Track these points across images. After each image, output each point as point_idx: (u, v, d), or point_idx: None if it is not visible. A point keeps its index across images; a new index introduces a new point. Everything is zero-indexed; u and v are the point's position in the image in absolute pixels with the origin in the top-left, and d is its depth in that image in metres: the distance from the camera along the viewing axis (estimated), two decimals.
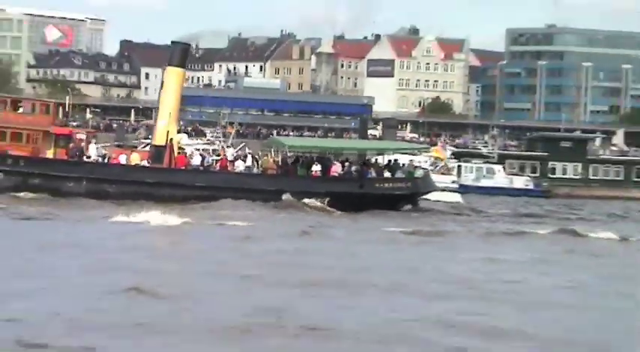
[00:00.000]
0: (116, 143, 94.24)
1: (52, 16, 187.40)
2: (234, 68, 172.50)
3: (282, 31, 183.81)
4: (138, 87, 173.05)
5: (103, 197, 54.40)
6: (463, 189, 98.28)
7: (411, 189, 66.05)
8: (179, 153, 63.34)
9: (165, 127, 62.68)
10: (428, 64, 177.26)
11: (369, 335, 20.58)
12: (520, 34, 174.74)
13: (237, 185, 60.16)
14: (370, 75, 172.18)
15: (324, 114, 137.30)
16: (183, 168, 62.18)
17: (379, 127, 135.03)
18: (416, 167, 75.26)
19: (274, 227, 47.82)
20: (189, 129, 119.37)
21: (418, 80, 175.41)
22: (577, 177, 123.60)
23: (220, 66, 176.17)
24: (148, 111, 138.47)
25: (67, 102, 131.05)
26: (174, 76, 65.73)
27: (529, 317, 25.65)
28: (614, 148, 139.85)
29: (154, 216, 45.09)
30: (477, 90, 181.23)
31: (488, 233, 52.99)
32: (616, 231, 56.01)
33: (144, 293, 25.22)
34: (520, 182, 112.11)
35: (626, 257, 45.74)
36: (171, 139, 62.38)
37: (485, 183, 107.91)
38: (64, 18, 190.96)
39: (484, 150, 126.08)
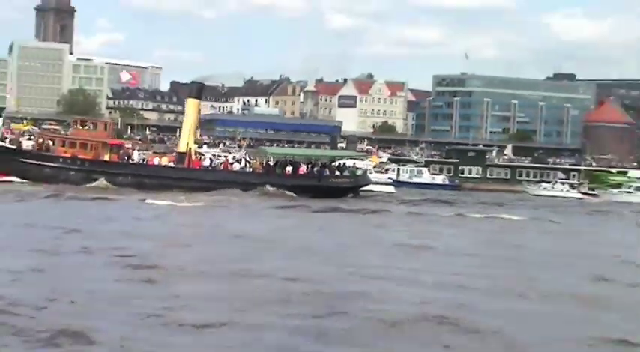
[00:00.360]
0: (157, 151, 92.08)
1: (126, 64, 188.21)
2: (248, 101, 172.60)
3: (280, 75, 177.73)
4: (182, 113, 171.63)
5: (142, 187, 54.81)
6: (399, 184, 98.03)
7: (354, 183, 66.85)
8: (196, 157, 63.63)
9: (185, 139, 63.30)
10: (379, 98, 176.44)
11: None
12: (442, 78, 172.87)
13: (234, 179, 60.52)
14: (340, 106, 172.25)
15: (307, 132, 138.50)
16: (198, 167, 62.26)
17: (345, 142, 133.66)
18: (357, 168, 77.04)
19: (257, 206, 48.15)
20: (214, 141, 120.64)
21: (372, 110, 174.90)
22: (478, 176, 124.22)
23: (238, 99, 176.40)
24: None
25: (134, 124, 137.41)
26: (191, 105, 67.45)
27: (418, 261, 26.69)
28: (505, 157, 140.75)
29: (177, 200, 47.39)
30: (413, 117, 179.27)
31: (411, 212, 52.51)
32: (497, 211, 56.61)
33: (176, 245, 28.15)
34: (439, 179, 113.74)
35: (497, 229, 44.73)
36: (190, 148, 62.81)
37: (415, 180, 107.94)
38: (133, 66, 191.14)
39: (415, 158, 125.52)
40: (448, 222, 48.15)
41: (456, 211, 56.07)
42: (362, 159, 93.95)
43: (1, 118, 77.55)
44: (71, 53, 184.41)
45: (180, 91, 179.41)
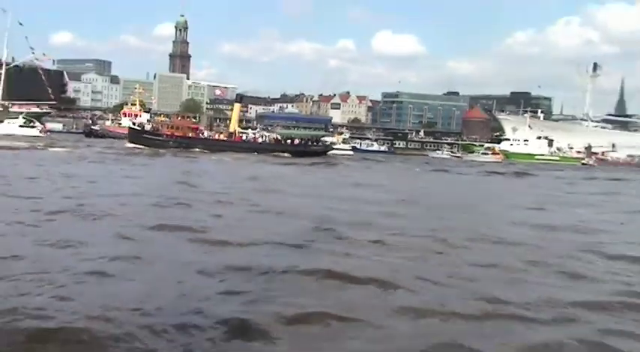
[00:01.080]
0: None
1: (218, 85, 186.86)
2: (282, 105, 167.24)
3: (300, 91, 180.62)
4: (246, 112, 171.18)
5: (210, 150, 52.95)
6: (359, 151, 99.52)
7: (324, 149, 66.15)
8: (239, 134, 62.77)
9: (233, 126, 64.02)
10: (353, 105, 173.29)
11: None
12: (386, 94, 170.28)
13: (258, 147, 59.36)
14: (332, 108, 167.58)
15: (313, 122, 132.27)
16: (238, 140, 60.95)
17: (332, 128, 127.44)
18: (327, 141, 75.85)
19: (270, 161, 46.56)
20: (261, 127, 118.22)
21: (349, 111, 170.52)
22: (403, 147, 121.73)
23: (278, 105, 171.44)
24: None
25: (220, 117, 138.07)
26: (236, 106, 67.27)
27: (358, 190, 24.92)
28: (419, 136, 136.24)
29: (228, 157, 45.90)
30: (370, 115, 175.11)
31: (362, 166, 51.40)
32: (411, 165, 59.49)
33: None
34: (383, 148, 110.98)
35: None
36: (235, 129, 63.08)
37: (369, 148, 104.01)
38: (222, 86, 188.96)
39: (370, 136, 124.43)
40: (380, 170, 48.08)
41: (386, 164, 56.02)
42: (331, 136, 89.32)
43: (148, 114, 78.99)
44: (187, 79, 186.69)
45: (245, 100, 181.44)
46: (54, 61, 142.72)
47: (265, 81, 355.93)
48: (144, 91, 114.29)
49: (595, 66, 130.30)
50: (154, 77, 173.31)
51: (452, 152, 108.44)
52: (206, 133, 63.96)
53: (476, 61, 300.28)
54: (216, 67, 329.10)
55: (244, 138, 63.69)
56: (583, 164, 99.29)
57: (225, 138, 62.09)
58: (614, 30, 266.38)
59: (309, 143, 65.23)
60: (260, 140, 64.36)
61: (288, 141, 64.16)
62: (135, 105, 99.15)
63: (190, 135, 59.53)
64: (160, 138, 56.47)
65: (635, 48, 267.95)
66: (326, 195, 21.67)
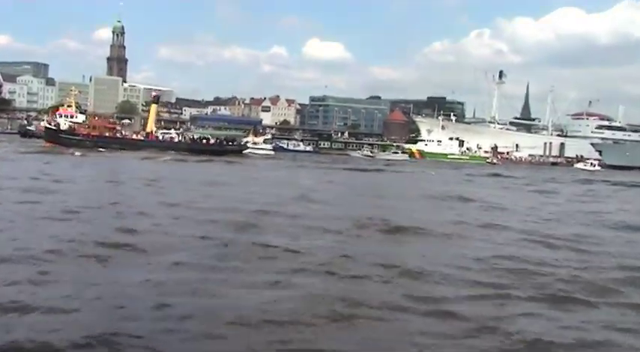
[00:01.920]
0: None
1: (154, 88, 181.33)
2: (217, 108, 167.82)
3: (232, 94, 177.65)
4: (179, 114, 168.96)
5: (125, 149, 53.43)
6: (286, 151, 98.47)
7: (238, 148, 65.30)
8: (156, 134, 63.16)
9: (150, 126, 64.57)
10: (282, 107, 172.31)
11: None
12: (314, 98, 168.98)
13: (176, 147, 58.75)
14: (262, 111, 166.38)
15: (244, 124, 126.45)
16: (154, 139, 61.08)
17: (262, 129, 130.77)
18: (242, 140, 75.24)
19: (186, 159, 46.18)
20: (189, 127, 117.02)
21: (279, 113, 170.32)
22: (327, 147, 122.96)
23: (212, 107, 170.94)
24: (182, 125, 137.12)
25: None
26: (152, 108, 67.63)
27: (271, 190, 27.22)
28: (344, 137, 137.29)
29: (135, 156, 45.53)
30: (298, 118, 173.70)
31: (284, 166, 50.36)
32: (334, 164, 58.50)
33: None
34: (308, 148, 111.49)
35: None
36: (152, 130, 63.63)
37: (296, 148, 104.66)
38: (158, 89, 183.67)
39: (296, 137, 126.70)
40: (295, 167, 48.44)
41: (301, 163, 55.47)
42: (246, 137, 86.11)
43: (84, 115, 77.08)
44: (124, 82, 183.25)
45: (180, 103, 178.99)
46: None
47: (202, 84, 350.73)
48: (79, 93, 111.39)
49: (500, 73, 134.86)
50: (90, 80, 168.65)
51: (371, 152, 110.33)
52: (124, 132, 63.70)
53: (398, 67, 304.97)
54: (155, 71, 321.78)
55: (161, 137, 63.35)
56: (488, 162, 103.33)
57: (142, 138, 61.59)
58: (521, 41, 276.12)
59: (225, 142, 65.24)
60: (176, 139, 63.99)
61: (204, 140, 64.20)
62: (71, 106, 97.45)
63: (107, 134, 59.05)
64: (77, 137, 55.84)
65: (538, 57, 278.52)
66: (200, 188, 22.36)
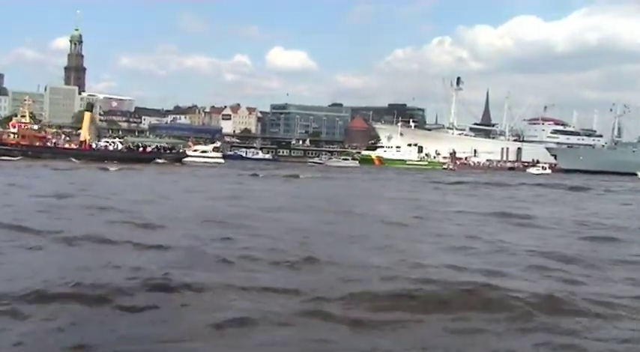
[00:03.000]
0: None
1: (112, 97, 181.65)
2: (177, 117, 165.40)
3: (193, 103, 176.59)
4: (138, 123, 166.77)
5: (57, 158, 52.20)
6: (244, 159, 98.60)
7: (176, 156, 63.67)
8: (89, 143, 61.48)
9: (83, 134, 61.94)
10: (243, 116, 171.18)
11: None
12: (275, 106, 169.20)
13: (109, 156, 57.75)
14: (223, 119, 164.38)
15: (203, 132, 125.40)
16: (88, 148, 59.58)
17: (222, 138, 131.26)
18: (181, 149, 72.22)
19: (117, 167, 44.10)
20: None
21: (241, 122, 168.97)
22: (287, 155, 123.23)
23: (172, 116, 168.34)
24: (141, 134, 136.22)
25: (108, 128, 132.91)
26: (86, 116, 64.62)
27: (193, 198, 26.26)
28: (305, 145, 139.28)
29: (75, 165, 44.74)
30: (259, 126, 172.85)
31: (222, 173, 46.18)
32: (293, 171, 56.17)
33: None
34: (267, 156, 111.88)
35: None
36: (86, 139, 61.48)
37: (254, 156, 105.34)
38: (119, 98, 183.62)
39: (255, 145, 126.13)
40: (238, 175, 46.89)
41: (254, 171, 53.72)
42: (184, 146, 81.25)
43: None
44: (84, 91, 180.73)
45: (139, 111, 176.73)
46: None
47: (164, 93, 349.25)
48: (34, 103, 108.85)
49: (458, 80, 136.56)
50: (45, 89, 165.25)
51: (345, 159, 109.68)
52: (54, 141, 61.62)
53: (361, 75, 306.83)
54: (116, 80, 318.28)
55: (94, 146, 62.06)
56: (444, 168, 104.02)
57: (75, 147, 60.33)
58: (481, 49, 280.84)
59: (161, 151, 64.07)
60: (111, 148, 62.94)
61: (141, 149, 63.00)
62: (24, 116, 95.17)
63: (37, 144, 57.72)
64: (5, 147, 54.58)
65: (498, 64, 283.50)
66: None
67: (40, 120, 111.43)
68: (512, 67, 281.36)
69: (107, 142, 65.72)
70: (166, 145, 69.62)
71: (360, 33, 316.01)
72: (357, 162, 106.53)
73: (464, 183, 45.00)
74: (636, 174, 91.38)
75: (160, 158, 59.97)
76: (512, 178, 63.90)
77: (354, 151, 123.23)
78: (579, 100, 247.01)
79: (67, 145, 60.74)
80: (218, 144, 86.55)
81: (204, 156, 73.02)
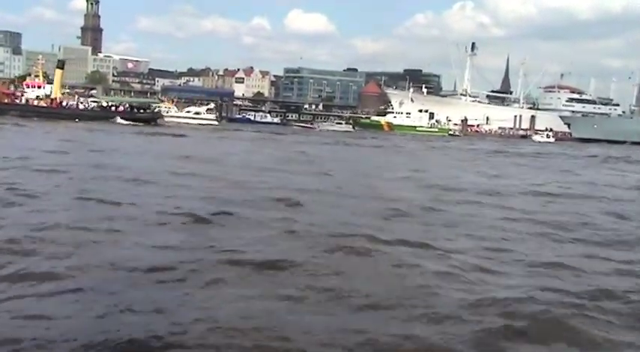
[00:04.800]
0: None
1: (128, 59, 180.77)
2: (190, 79, 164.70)
3: (206, 66, 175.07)
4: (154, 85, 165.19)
5: (26, 117, 51.53)
6: (252, 123, 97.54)
7: (150, 116, 61.06)
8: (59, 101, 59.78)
9: (55, 92, 59.85)
10: (257, 80, 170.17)
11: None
12: (289, 69, 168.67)
13: (80, 114, 56.64)
14: (236, 82, 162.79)
15: (215, 95, 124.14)
16: (57, 106, 58.21)
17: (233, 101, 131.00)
18: (157, 108, 68.68)
19: (92, 126, 44.56)
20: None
21: (254, 85, 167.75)
22: (295, 119, 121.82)
23: (185, 78, 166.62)
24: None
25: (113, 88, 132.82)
26: (57, 73, 62.95)
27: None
28: (313, 108, 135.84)
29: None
30: (273, 90, 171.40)
31: (205, 137, 45.80)
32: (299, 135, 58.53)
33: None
34: (277, 120, 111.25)
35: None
36: (57, 96, 59.56)
37: (262, 120, 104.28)
38: (135, 60, 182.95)
39: (264, 109, 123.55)
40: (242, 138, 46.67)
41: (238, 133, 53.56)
42: (160, 105, 76.50)
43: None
44: (100, 52, 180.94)
45: (153, 73, 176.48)
46: None
47: (182, 55, 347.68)
48: (47, 63, 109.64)
49: (473, 45, 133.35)
50: (59, 49, 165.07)
51: (339, 124, 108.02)
52: (24, 99, 60.27)
53: (379, 40, 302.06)
54: (135, 42, 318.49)
55: (64, 104, 60.36)
56: (450, 134, 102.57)
57: (45, 105, 58.69)
58: (503, 15, 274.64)
59: (136, 110, 61.85)
60: (82, 107, 61.14)
61: (112, 107, 61.09)
62: (38, 76, 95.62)
63: (6, 101, 57.17)
64: None
65: (520, 31, 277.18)
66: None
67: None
68: (535, 33, 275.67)
69: (74, 101, 63.54)
70: (139, 105, 66.45)
71: None
72: (351, 126, 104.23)
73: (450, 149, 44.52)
74: None
75: (134, 118, 57.86)
76: (512, 146, 62.91)
77: (364, 117, 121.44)
78: (601, 68, 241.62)
79: (36, 103, 59.06)
80: (212, 105, 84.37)
81: (196, 118, 71.25)
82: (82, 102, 62.96)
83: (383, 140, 60.72)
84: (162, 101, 79.28)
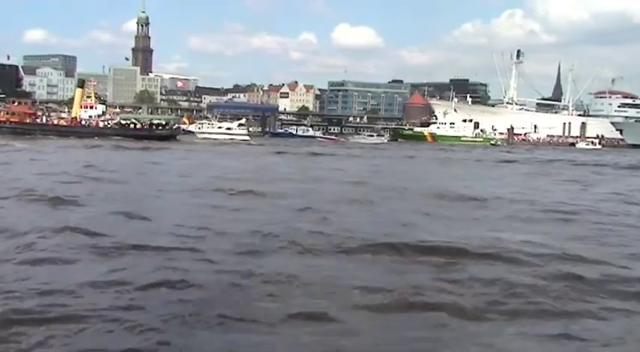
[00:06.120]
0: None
1: (177, 77, 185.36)
2: (236, 95, 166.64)
3: (251, 82, 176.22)
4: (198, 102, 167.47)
5: (48, 135, 53.15)
6: (293, 136, 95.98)
7: (169, 133, 61.06)
8: (78, 120, 61.19)
9: (75, 111, 62.02)
10: (301, 94, 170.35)
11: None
12: (333, 82, 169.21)
13: (100, 132, 56.93)
14: (281, 97, 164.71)
15: (261, 110, 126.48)
16: (77, 125, 59.42)
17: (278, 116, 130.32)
18: (175, 125, 69.18)
19: (108, 145, 43.86)
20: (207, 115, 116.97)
21: (299, 99, 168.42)
22: (337, 132, 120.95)
23: (231, 95, 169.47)
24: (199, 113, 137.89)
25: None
26: (78, 92, 64.04)
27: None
28: (358, 121, 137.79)
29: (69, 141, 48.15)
30: (318, 103, 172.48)
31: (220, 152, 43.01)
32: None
33: None
34: (319, 133, 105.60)
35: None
36: (77, 115, 61.22)
37: (305, 134, 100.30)
38: (183, 78, 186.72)
39: (305, 122, 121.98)
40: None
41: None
42: (178, 122, 78.11)
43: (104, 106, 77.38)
44: (151, 72, 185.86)
45: (200, 91, 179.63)
46: (8, 56, 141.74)
47: (232, 73, 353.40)
48: (98, 84, 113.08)
49: (518, 53, 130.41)
50: (109, 70, 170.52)
51: (370, 136, 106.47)
52: (44, 119, 61.84)
53: (426, 50, 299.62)
54: (186, 61, 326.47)
55: (84, 123, 61.36)
56: (491, 144, 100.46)
57: (65, 124, 60.16)
58: (554, 21, 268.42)
59: (154, 127, 62.32)
60: (102, 124, 61.78)
61: (132, 125, 61.77)
62: (90, 97, 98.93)
63: (27, 120, 58.25)
64: None
65: (571, 37, 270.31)
66: None
67: (105, 101, 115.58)
68: (586, 38, 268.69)
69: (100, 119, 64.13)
70: (159, 121, 66.86)
71: (427, 7, 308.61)
72: (385, 138, 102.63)
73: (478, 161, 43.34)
74: None
75: (154, 135, 58.11)
76: (558, 154, 60.98)
77: (405, 128, 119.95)
78: None
79: (55, 121, 60.79)
80: (243, 120, 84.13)
81: (227, 134, 71.25)
82: (103, 120, 63.81)
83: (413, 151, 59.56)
84: (182, 117, 79.79)
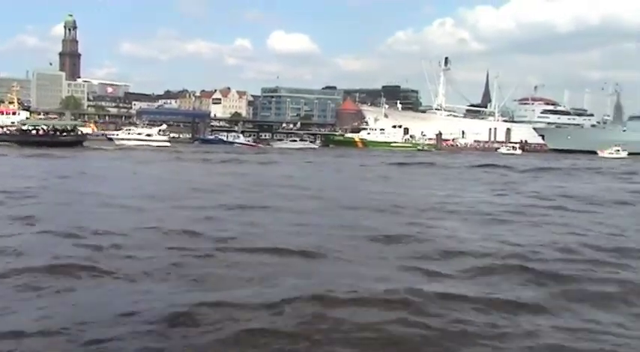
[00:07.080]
0: None
1: (107, 83, 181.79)
2: (167, 101, 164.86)
3: (183, 88, 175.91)
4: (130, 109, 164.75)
5: None
6: (220, 143, 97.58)
7: (76, 139, 58.20)
8: None
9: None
10: (234, 100, 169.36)
11: None
12: (266, 89, 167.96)
13: None
14: (213, 103, 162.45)
15: (191, 116, 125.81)
16: None
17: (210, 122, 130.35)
18: (81, 131, 66.47)
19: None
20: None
21: (231, 105, 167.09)
22: (268, 138, 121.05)
23: (162, 101, 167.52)
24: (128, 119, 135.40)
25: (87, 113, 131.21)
26: None
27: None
28: (291, 127, 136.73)
29: None
30: (251, 110, 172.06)
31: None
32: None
33: None
34: (250, 139, 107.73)
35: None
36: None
37: (235, 141, 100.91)
38: (112, 84, 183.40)
39: (236, 129, 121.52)
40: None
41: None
42: (84, 126, 76.29)
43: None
44: (79, 77, 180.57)
45: (130, 96, 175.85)
46: None
47: (164, 78, 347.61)
48: (21, 89, 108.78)
49: (446, 60, 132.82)
50: (32, 75, 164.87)
51: (293, 141, 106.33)
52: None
53: (361, 58, 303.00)
54: (117, 67, 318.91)
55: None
56: (419, 149, 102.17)
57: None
58: (483, 30, 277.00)
59: (58, 133, 59.16)
60: (0, 131, 59.03)
61: (34, 131, 58.63)
62: (12, 103, 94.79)
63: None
64: None
65: (499, 46, 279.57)
66: None
67: (29, 107, 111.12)
68: (514, 47, 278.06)
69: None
70: (61, 127, 63.17)
71: (361, 16, 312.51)
72: (313, 143, 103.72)
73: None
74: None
75: (57, 141, 55.41)
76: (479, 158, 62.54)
77: (337, 134, 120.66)
78: (580, 80, 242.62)
79: None
80: (164, 126, 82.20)
81: (146, 140, 69.31)
82: (2, 127, 60.78)
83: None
84: (85, 122, 77.23)
